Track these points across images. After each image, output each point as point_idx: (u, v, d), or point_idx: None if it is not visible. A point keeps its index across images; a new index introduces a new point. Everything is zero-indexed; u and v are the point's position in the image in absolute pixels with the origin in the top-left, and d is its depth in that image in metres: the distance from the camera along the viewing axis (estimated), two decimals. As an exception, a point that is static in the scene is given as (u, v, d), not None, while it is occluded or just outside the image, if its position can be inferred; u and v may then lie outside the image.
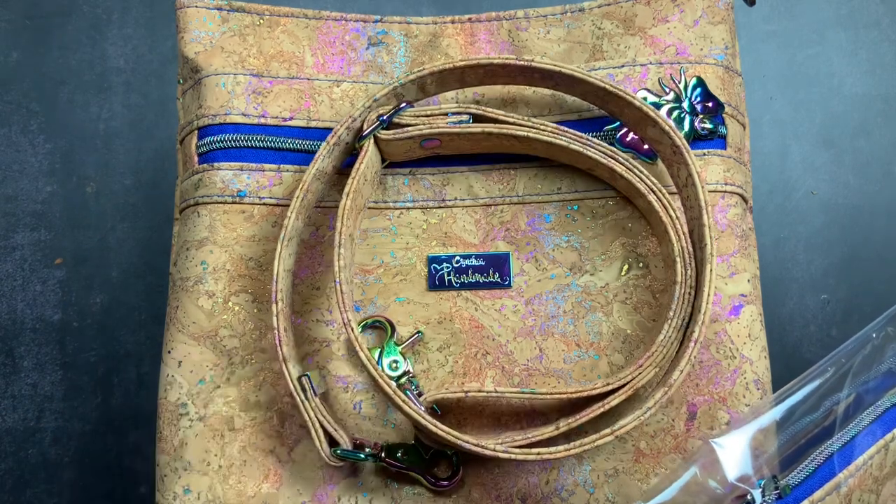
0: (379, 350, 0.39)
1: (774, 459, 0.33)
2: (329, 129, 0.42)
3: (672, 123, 0.38)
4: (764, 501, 0.31)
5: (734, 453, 0.32)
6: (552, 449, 0.35)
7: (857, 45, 0.58)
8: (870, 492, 0.32)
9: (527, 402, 0.38)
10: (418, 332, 0.40)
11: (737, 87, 0.42)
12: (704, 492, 0.31)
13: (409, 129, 0.39)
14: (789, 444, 0.33)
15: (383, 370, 0.38)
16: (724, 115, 0.41)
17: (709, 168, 0.40)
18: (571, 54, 0.43)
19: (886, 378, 0.34)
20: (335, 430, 0.36)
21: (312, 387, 0.36)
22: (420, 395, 0.37)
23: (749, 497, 0.31)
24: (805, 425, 0.33)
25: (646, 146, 0.41)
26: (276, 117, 0.42)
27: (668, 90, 0.41)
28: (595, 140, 0.39)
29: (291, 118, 0.42)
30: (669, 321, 0.37)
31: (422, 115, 0.40)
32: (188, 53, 0.43)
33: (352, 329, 0.36)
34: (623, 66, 0.42)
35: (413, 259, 0.41)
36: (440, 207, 0.42)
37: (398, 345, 0.39)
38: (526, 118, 0.39)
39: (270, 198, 0.41)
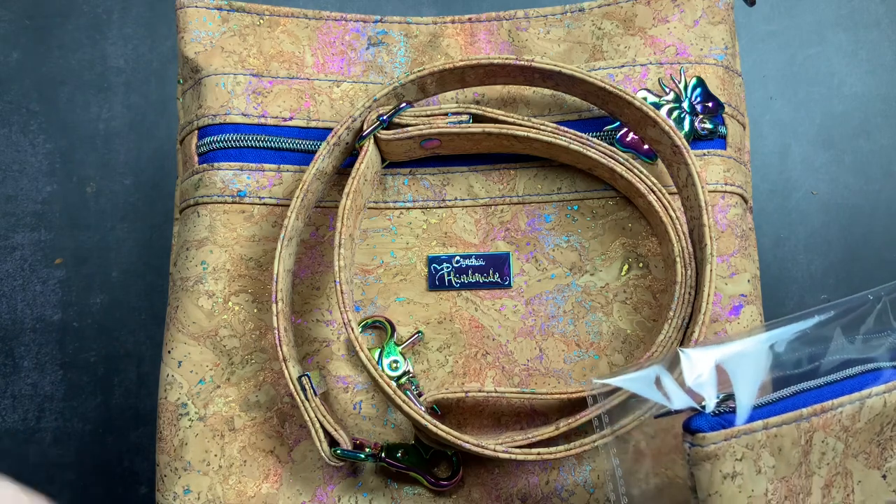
0: (379, 350, 0.39)
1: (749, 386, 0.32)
2: (329, 129, 0.42)
3: (672, 123, 0.38)
4: (716, 410, 0.31)
5: (699, 366, 0.32)
6: (552, 449, 0.35)
7: (857, 45, 0.58)
8: (836, 438, 0.32)
9: (527, 402, 0.38)
10: (418, 332, 0.40)
11: (737, 87, 0.42)
12: (662, 391, 0.31)
13: (409, 129, 0.39)
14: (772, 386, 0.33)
15: (383, 370, 0.38)
16: (724, 115, 0.41)
17: (709, 168, 0.40)
18: (571, 54, 0.43)
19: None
20: (335, 430, 0.36)
21: (312, 387, 0.36)
22: (420, 395, 0.37)
23: (702, 404, 0.31)
24: (789, 377, 0.33)
25: (646, 146, 0.41)
26: (276, 117, 0.42)
27: (668, 90, 0.41)
28: (595, 140, 0.39)
29: (291, 118, 0.42)
30: (669, 321, 0.37)
31: (422, 115, 0.40)
32: (188, 53, 0.43)
33: (352, 329, 0.36)
34: (623, 66, 0.42)
35: (413, 259, 0.41)
36: (440, 207, 0.42)
37: (398, 345, 0.39)
38: (526, 118, 0.39)
39: (270, 198, 0.41)
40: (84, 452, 0.53)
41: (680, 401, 0.31)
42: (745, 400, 0.31)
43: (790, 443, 0.31)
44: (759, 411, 0.31)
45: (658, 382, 0.32)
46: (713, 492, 0.30)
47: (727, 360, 0.32)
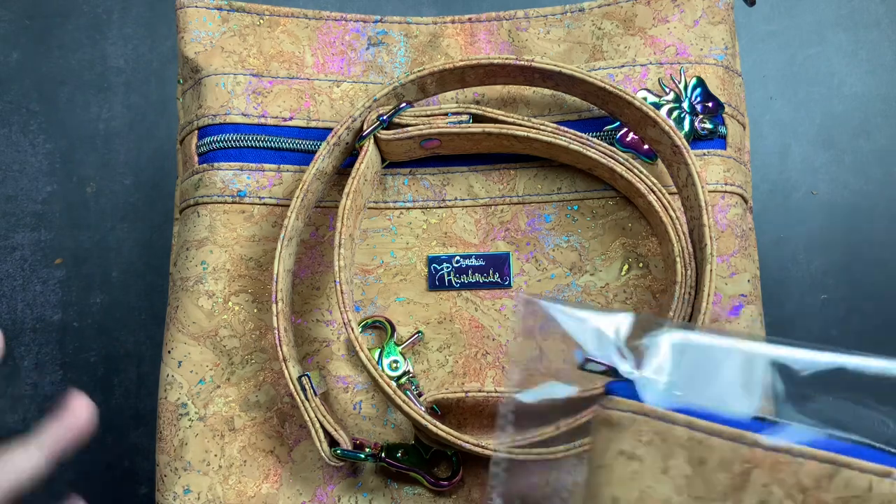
0: (379, 350, 0.39)
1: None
2: (329, 129, 0.42)
3: (672, 123, 0.38)
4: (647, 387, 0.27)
5: (663, 345, 0.28)
6: (552, 449, 0.35)
7: (857, 45, 0.58)
8: (786, 494, 0.26)
9: (527, 402, 0.38)
10: (418, 332, 0.40)
11: (737, 87, 0.42)
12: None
13: (409, 129, 0.39)
14: None
15: (383, 370, 0.38)
16: (724, 115, 0.41)
17: (709, 168, 0.40)
18: (571, 54, 0.43)
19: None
20: (335, 430, 0.36)
21: (312, 387, 0.36)
22: (420, 395, 0.37)
23: (631, 371, 0.28)
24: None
25: (646, 146, 0.41)
26: (276, 117, 0.42)
27: (668, 90, 0.41)
28: (595, 140, 0.39)
29: (291, 118, 0.42)
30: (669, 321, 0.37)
31: (422, 115, 0.40)
32: (188, 53, 0.43)
33: (352, 329, 0.36)
34: (623, 66, 0.42)
35: (413, 259, 0.41)
36: (440, 207, 0.42)
37: (398, 345, 0.39)
38: (526, 118, 0.39)
39: (270, 198, 0.41)
40: (84, 452, 0.53)
41: (611, 360, 0.28)
42: (694, 397, 0.27)
43: (717, 461, 0.26)
44: (696, 410, 0.26)
45: (601, 335, 0.29)
46: (604, 463, 0.27)
47: (707, 352, 0.28)
